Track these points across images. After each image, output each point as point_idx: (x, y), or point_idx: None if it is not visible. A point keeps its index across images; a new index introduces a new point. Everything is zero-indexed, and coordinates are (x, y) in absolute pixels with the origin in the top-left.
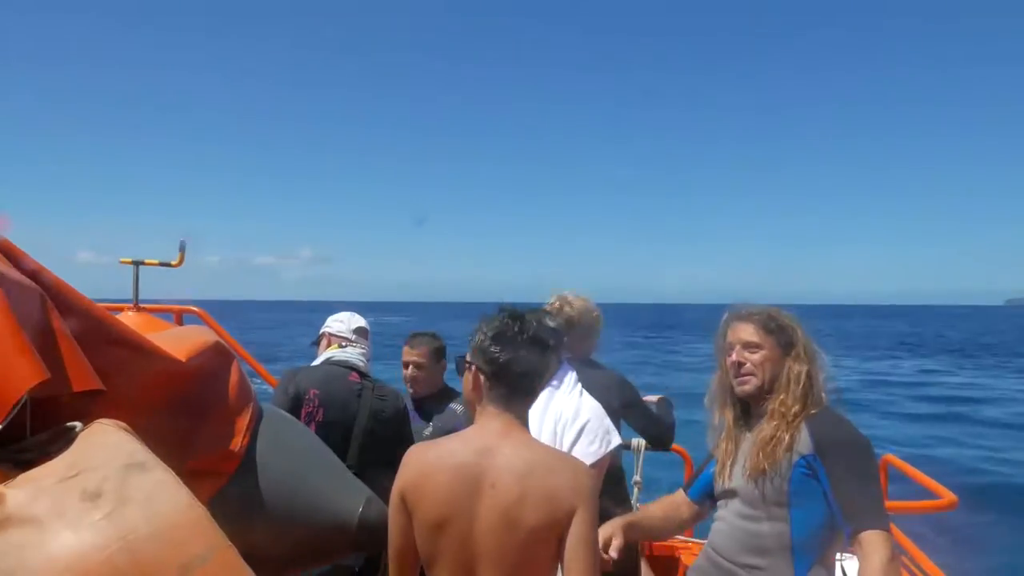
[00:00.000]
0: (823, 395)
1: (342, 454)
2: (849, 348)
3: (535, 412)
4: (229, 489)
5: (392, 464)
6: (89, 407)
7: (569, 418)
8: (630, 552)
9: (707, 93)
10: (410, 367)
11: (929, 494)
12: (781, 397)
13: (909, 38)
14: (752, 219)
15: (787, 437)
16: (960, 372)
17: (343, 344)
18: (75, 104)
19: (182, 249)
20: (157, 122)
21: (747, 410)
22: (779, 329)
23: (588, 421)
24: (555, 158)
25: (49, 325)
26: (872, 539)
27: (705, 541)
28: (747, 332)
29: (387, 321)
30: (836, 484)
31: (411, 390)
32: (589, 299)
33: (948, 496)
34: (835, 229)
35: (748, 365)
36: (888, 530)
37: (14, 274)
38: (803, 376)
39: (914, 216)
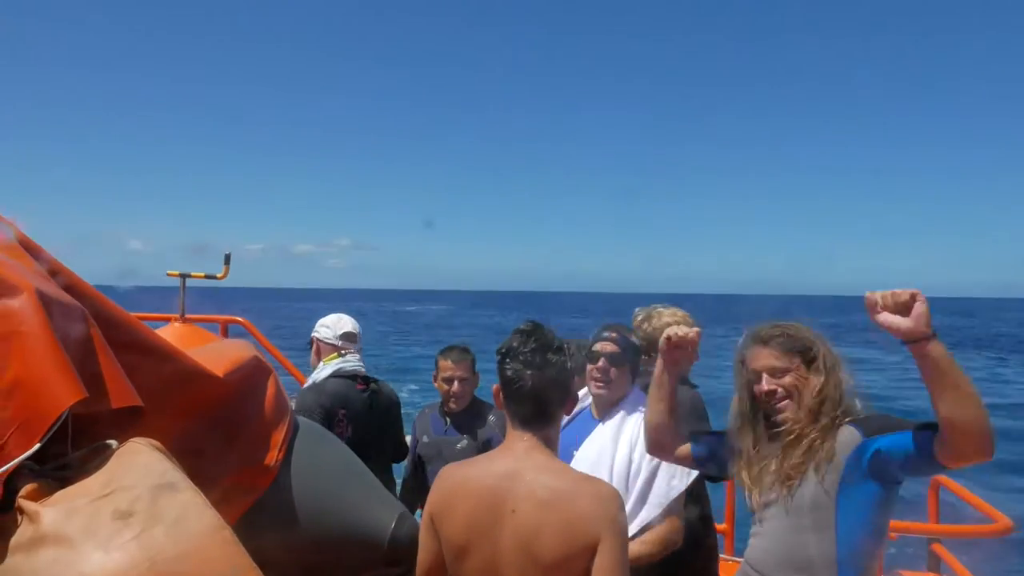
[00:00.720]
0: (851, 403)
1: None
2: (890, 345)
3: (605, 437)
4: (263, 504)
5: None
6: (128, 423)
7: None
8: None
9: (704, 63)
10: (455, 383)
11: (983, 518)
12: (800, 413)
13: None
14: (770, 204)
15: (822, 448)
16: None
17: (343, 352)
18: (115, 95)
19: (227, 262)
20: (198, 107)
21: (772, 425)
22: (801, 346)
23: None
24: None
25: (90, 342)
26: None
27: (742, 559)
28: (771, 357)
29: (429, 310)
30: (906, 432)
31: (454, 407)
32: (678, 313)
33: (1003, 520)
34: (868, 217)
35: (781, 391)
36: None
37: (57, 292)
38: (818, 388)
39: (961, 203)
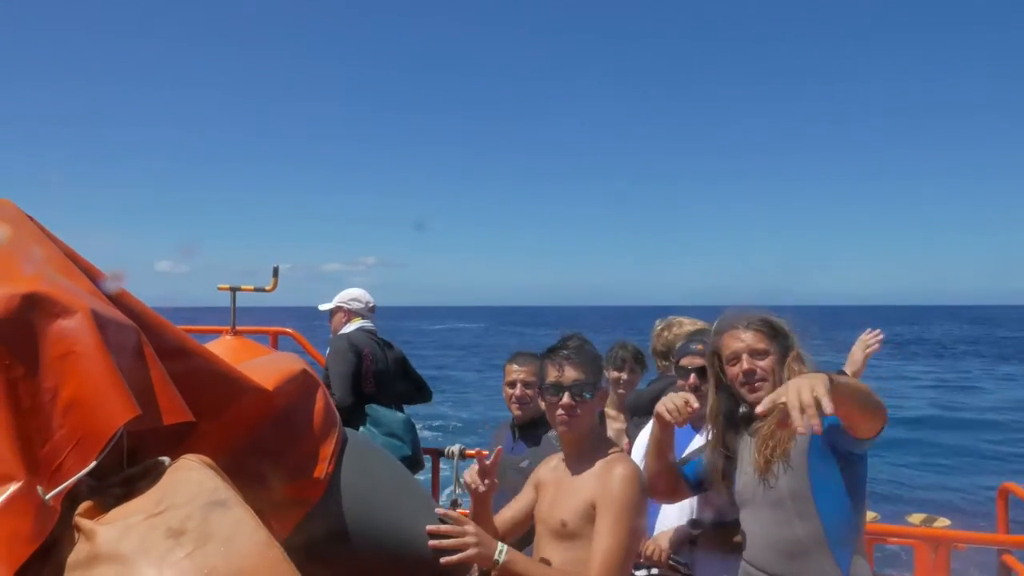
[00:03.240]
0: None
1: (395, 389)
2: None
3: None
4: (314, 516)
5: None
6: (182, 438)
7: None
8: None
9: (695, 67)
10: (518, 385)
11: None
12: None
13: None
14: (757, 208)
15: (792, 435)
16: None
17: (367, 316)
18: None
19: (275, 274)
20: (223, 133)
21: (742, 418)
22: (780, 334)
23: None
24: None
25: (143, 360)
26: None
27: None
28: (753, 340)
29: (462, 328)
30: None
31: (519, 413)
32: (699, 323)
33: None
34: (859, 219)
35: (760, 372)
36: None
37: (110, 311)
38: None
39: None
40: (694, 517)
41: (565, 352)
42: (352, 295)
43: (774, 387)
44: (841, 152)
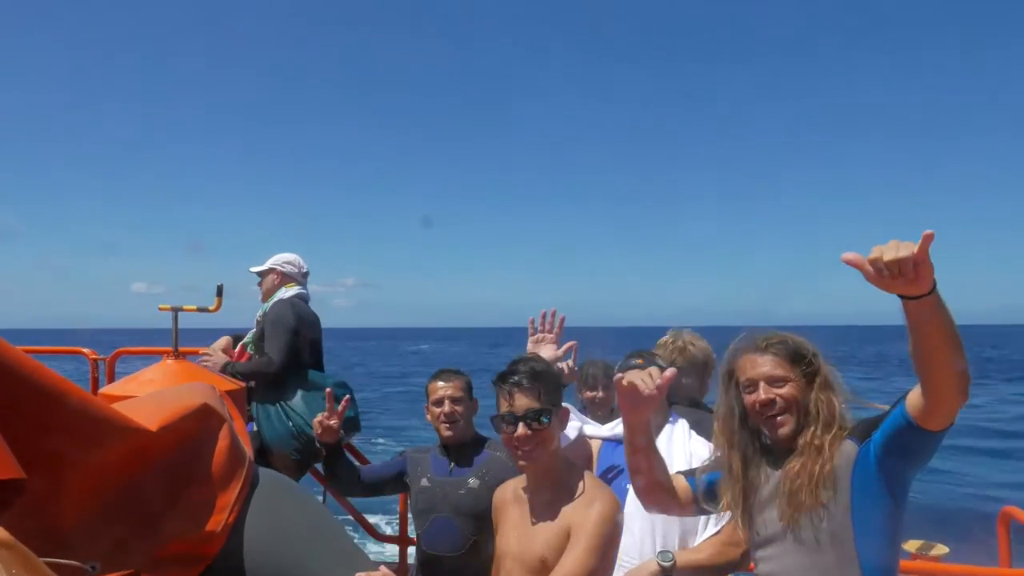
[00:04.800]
0: (848, 417)
1: (322, 361)
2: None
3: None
4: (211, 574)
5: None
6: (19, 494)
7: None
8: None
9: (696, 92)
10: (446, 403)
11: None
12: (812, 429)
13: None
14: (755, 226)
15: (828, 466)
16: None
17: (300, 282)
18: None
19: (219, 294)
20: (204, 155)
21: (766, 447)
22: (802, 357)
23: None
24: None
25: None
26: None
27: None
28: (769, 365)
29: (443, 350)
30: (886, 415)
31: (449, 433)
32: (696, 338)
33: None
34: (852, 235)
35: (780, 402)
36: None
37: None
38: (834, 406)
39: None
40: (661, 549)
41: (515, 379)
42: (286, 258)
43: (797, 418)
44: (848, 167)
